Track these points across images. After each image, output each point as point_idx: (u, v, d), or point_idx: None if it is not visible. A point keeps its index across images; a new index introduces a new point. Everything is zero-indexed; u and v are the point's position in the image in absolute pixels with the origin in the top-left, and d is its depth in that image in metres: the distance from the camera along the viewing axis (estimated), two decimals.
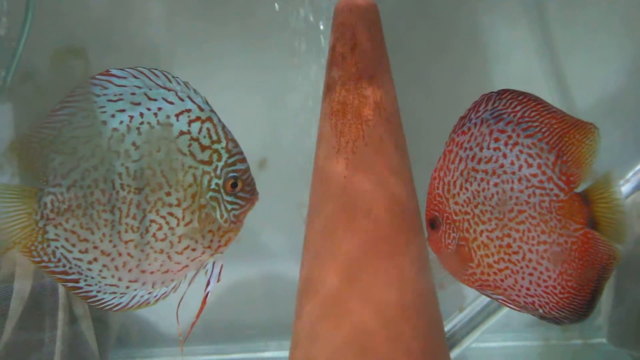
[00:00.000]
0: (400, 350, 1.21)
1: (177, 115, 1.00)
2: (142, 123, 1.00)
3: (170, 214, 1.01)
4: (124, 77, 1.00)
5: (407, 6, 1.72)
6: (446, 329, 1.57)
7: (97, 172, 1.00)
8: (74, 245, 1.01)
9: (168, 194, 1.01)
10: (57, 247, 1.01)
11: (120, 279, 1.03)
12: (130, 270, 1.03)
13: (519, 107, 1.03)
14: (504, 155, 1.04)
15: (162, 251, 1.02)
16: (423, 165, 1.23)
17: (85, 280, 1.03)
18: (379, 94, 1.32)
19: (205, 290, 1.05)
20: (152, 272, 1.04)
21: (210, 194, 1.03)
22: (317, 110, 1.39)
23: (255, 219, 1.09)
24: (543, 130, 1.02)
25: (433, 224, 1.11)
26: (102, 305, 1.04)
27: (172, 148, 1.00)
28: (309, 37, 1.68)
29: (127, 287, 1.04)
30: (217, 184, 1.03)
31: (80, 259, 1.02)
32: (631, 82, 1.71)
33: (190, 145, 1.01)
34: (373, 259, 1.25)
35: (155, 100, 1.00)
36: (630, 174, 1.49)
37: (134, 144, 1.00)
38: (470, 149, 1.06)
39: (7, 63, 1.57)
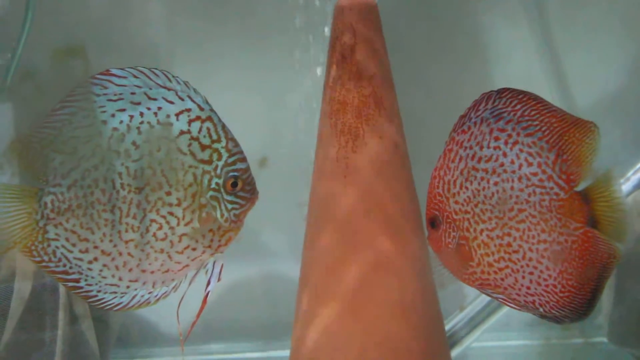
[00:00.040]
0: (401, 350, 1.21)
1: (177, 115, 1.00)
2: (142, 122, 1.00)
3: (171, 214, 1.01)
4: (124, 77, 1.00)
5: (407, 5, 1.72)
6: (447, 328, 1.58)
7: (97, 171, 1.00)
8: (74, 245, 1.01)
9: (168, 193, 1.01)
10: (57, 247, 1.01)
11: (120, 279, 1.03)
12: (130, 270, 1.03)
13: (519, 106, 1.03)
14: (504, 154, 1.04)
15: (162, 251, 1.02)
16: (423, 164, 1.23)
17: (85, 280, 1.03)
18: (379, 93, 1.32)
19: (205, 290, 1.06)
20: (152, 272, 1.04)
21: (211, 193, 1.03)
22: (317, 110, 1.39)
23: (255, 218, 1.09)
24: (543, 129, 1.02)
25: (433, 223, 1.11)
26: (102, 305, 1.04)
27: (172, 147, 1.00)
28: (309, 37, 1.68)
29: (128, 287, 1.04)
30: (217, 184, 1.03)
31: (80, 259, 1.02)
32: (631, 81, 1.71)
33: (190, 144, 1.01)
34: (372, 258, 1.25)
35: (155, 99, 1.00)
36: (631, 172, 1.50)
37: (134, 143, 1.00)
38: (471, 147, 1.06)
39: (7, 63, 1.57)
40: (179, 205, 1.01)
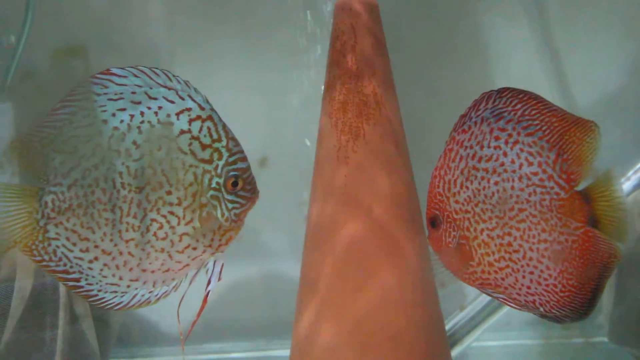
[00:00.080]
0: (401, 349, 1.21)
1: (177, 114, 1.00)
2: (142, 122, 1.00)
3: (171, 213, 1.01)
4: (125, 76, 1.00)
5: (407, 4, 1.72)
6: (447, 327, 1.58)
7: (97, 171, 1.00)
8: (74, 244, 1.01)
9: (169, 192, 1.01)
10: (58, 246, 1.01)
11: (121, 278, 1.03)
12: (131, 269, 1.03)
13: (519, 106, 1.03)
14: (505, 154, 1.04)
15: (163, 250, 1.02)
16: (423, 164, 1.23)
17: (86, 279, 1.03)
18: (380, 93, 1.32)
19: (206, 289, 1.05)
20: (153, 271, 1.04)
21: (211, 192, 1.03)
22: (318, 109, 1.39)
23: (256, 217, 1.09)
24: (543, 128, 1.02)
25: (434, 223, 1.11)
26: (103, 304, 1.04)
27: (173, 147, 1.00)
28: (309, 36, 1.68)
29: (128, 286, 1.04)
30: (217, 183, 1.03)
31: (81, 258, 1.02)
32: (631, 80, 1.71)
33: (190, 144, 1.01)
34: (373, 257, 1.25)
35: (155, 99, 1.00)
36: (631, 172, 1.50)
37: (134, 142, 1.00)
38: (471, 147, 1.06)
39: (7, 63, 1.57)
40: (179, 204, 1.01)
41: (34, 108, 1.58)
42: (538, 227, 1.02)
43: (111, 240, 1.01)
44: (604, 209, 1.00)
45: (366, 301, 1.23)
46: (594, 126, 1.01)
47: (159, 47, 1.77)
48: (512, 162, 1.03)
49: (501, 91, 1.04)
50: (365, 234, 1.26)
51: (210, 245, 1.05)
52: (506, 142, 1.04)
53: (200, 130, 1.01)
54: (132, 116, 1.00)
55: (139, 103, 1.00)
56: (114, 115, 1.00)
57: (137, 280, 1.04)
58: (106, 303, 1.04)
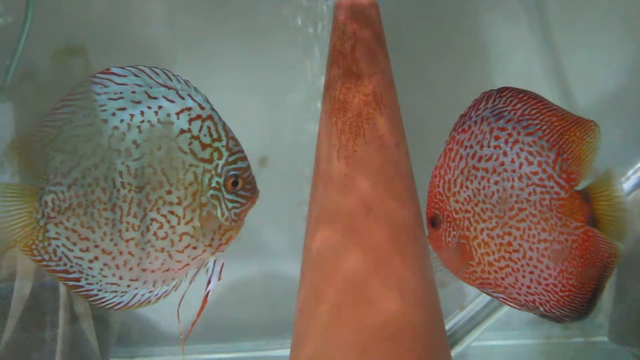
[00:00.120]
0: (401, 349, 1.21)
1: (177, 114, 1.00)
2: (142, 121, 1.00)
3: (171, 213, 1.01)
4: (125, 76, 1.00)
5: (407, 4, 1.72)
6: (447, 327, 1.58)
7: (97, 170, 1.00)
8: (74, 244, 1.01)
9: (169, 192, 1.01)
10: (58, 246, 1.01)
11: (121, 278, 1.03)
12: (131, 269, 1.03)
13: (519, 105, 1.03)
14: (505, 153, 1.04)
15: (163, 250, 1.02)
16: (424, 163, 1.23)
17: (86, 279, 1.03)
18: (380, 92, 1.32)
19: (206, 289, 1.05)
20: (153, 271, 1.04)
21: (211, 192, 1.03)
22: (318, 109, 1.39)
23: (256, 217, 1.09)
24: (543, 128, 1.02)
25: (434, 222, 1.11)
26: (103, 304, 1.04)
27: (173, 146, 1.00)
28: (310, 36, 1.68)
29: (128, 286, 1.04)
30: (217, 182, 1.03)
31: (81, 258, 1.02)
32: (632, 80, 1.71)
33: (190, 143, 1.01)
34: (373, 257, 1.25)
35: (155, 98, 1.00)
36: (631, 171, 1.50)
37: (134, 142, 1.00)
38: (471, 147, 1.06)
39: (7, 62, 1.57)
40: (179, 204, 1.01)
41: (34, 108, 1.58)
42: (538, 227, 1.02)
43: (111, 239, 1.01)
44: (604, 208, 1.00)
45: (366, 301, 1.23)
46: (594, 126, 1.01)
47: (159, 47, 1.77)
48: (512, 161, 1.03)
49: (501, 91, 1.04)
50: (365, 234, 1.26)
51: (210, 245, 1.05)
52: (506, 142, 1.04)
53: (201, 129, 1.01)
54: (132, 115, 1.00)
55: (139, 102, 1.00)
56: (114, 114, 1.00)
57: (137, 279, 1.04)
58: (106, 303, 1.04)
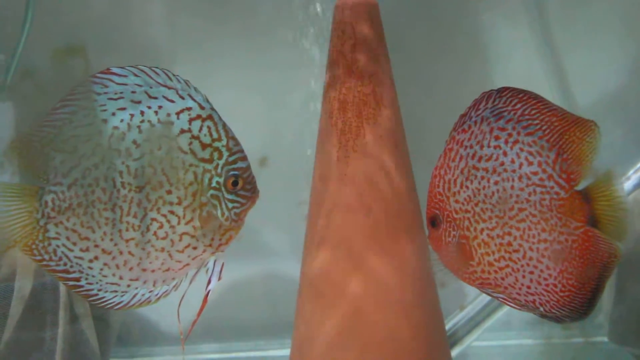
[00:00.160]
0: (401, 350, 1.21)
1: (177, 114, 1.00)
2: (142, 121, 1.00)
3: (171, 212, 1.01)
4: (125, 76, 1.00)
5: (407, 4, 1.72)
6: (447, 327, 1.57)
7: (97, 170, 1.00)
8: (75, 244, 1.01)
9: (169, 192, 1.01)
10: (58, 246, 1.01)
11: (121, 278, 1.03)
12: (131, 269, 1.03)
13: (519, 105, 1.03)
14: (505, 153, 1.04)
15: (163, 249, 1.02)
16: (424, 163, 1.23)
17: (86, 279, 1.03)
18: (380, 92, 1.32)
19: (206, 289, 1.05)
20: (153, 271, 1.04)
21: (211, 192, 1.03)
22: (318, 109, 1.39)
23: (256, 217, 1.09)
24: (543, 128, 1.02)
25: (434, 222, 1.11)
26: (103, 304, 1.04)
27: (173, 146, 1.00)
28: (310, 36, 1.67)
29: (128, 286, 1.04)
30: (218, 182, 1.03)
31: (81, 258, 1.02)
32: (632, 80, 1.71)
33: (191, 143, 1.01)
34: (374, 257, 1.25)
35: (155, 98, 1.00)
36: (631, 171, 1.49)
37: (134, 142, 1.00)
38: (471, 147, 1.06)
39: (7, 62, 1.57)
40: (179, 204, 1.01)
41: (34, 107, 1.58)
42: (538, 227, 1.02)
43: (111, 239, 1.01)
44: (604, 208, 1.00)
45: (366, 301, 1.23)
46: (594, 126, 1.01)
47: (159, 47, 1.77)
48: (512, 161, 1.03)
49: (501, 91, 1.04)
50: (365, 233, 1.26)
51: (210, 245, 1.05)
52: (506, 142, 1.03)
53: (201, 129, 1.01)
54: (132, 115, 1.00)
55: (139, 102, 1.00)
56: (114, 114, 1.00)
57: (137, 279, 1.04)
58: (106, 302, 1.04)
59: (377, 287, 1.23)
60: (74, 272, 1.02)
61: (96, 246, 1.01)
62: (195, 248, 1.04)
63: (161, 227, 1.01)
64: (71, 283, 1.03)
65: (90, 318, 1.53)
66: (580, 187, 1.01)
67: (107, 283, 1.03)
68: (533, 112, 1.02)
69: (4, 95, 1.59)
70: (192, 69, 1.58)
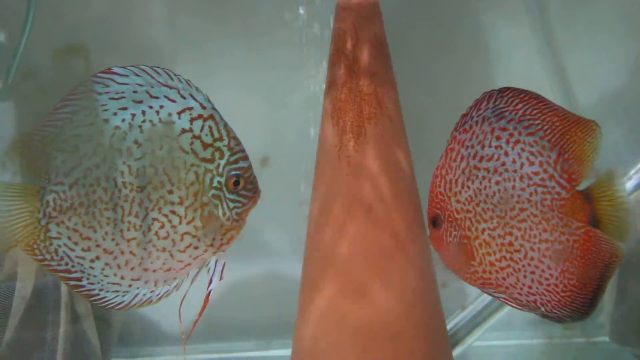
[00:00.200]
0: (402, 350, 1.21)
1: (179, 113, 1.00)
2: (144, 121, 1.00)
3: (173, 212, 1.01)
4: (126, 75, 1.00)
5: (408, 4, 1.72)
6: (448, 327, 1.57)
7: (99, 170, 1.00)
8: (76, 244, 1.01)
9: (170, 192, 1.01)
10: (59, 245, 1.01)
11: (122, 277, 1.03)
12: (132, 269, 1.03)
13: (520, 105, 1.03)
14: (506, 153, 1.04)
15: (164, 249, 1.02)
16: (425, 163, 1.23)
17: (87, 279, 1.03)
18: (381, 92, 1.32)
19: (207, 289, 1.06)
20: (154, 271, 1.04)
21: (213, 192, 1.03)
22: (319, 109, 1.39)
23: (257, 217, 1.09)
24: (545, 128, 1.02)
25: (435, 222, 1.11)
26: (104, 304, 1.04)
27: (174, 146, 1.00)
28: (311, 35, 1.67)
29: (130, 286, 1.04)
30: (219, 182, 1.03)
31: (82, 257, 1.02)
32: (633, 80, 1.71)
33: (192, 143, 1.01)
34: (375, 257, 1.25)
35: (157, 98, 1.00)
36: (633, 171, 1.49)
37: (136, 142, 1.00)
38: (472, 147, 1.06)
39: (8, 62, 1.57)
40: (181, 203, 1.01)
41: (35, 107, 1.58)
42: (539, 227, 1.02)
43: (113, 239, 1.01)
44: (606, 208, 1.00)
45: (367, 301, 1.23)
46: (595, 126, 1.01)
47: (160, 47, 1.77)
48: (514, 161, 1.03)
49: (502, 91, 1.04)
50: (366, 233, 1.26)
51: (211, 245, 1.05)
52: (507, 142, 1.03)
53: (202, 129, 1.01)
54: (133, 115, 1.00)
55: (141, 102, 1.00)
56: (115, 114, 1.00)
57: (138, 279, 1.04)
58: (108, 302, 1.04)
59: (378, 288, 1.23)
60: (76, 271, 1.02)
61: (98, 246, 1.01)
62: (196, 248, 1.04)
63: (162, 227, 1.01)
64: (72, 283, 1.03)
65: (92, 318, 1.53)
66: (581, 187, 1.01)
67: (108, 283, 1.03)
68: (534, 112, 1.02)
69: (5, 95, 1.59)
70: (193, 68, 1.58)
